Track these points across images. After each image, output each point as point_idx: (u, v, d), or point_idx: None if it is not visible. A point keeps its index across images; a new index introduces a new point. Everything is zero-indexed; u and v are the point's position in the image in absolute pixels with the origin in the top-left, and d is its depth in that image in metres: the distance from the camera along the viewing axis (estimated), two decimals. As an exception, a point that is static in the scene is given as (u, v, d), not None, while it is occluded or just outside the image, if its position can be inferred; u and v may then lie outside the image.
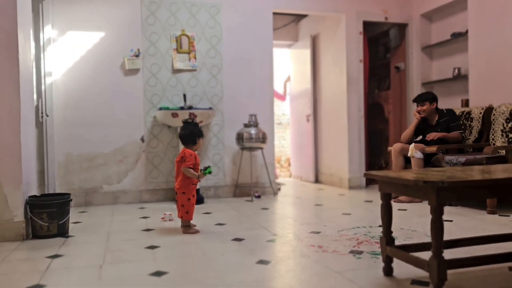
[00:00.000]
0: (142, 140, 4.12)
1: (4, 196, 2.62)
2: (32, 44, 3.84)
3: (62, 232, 2.70)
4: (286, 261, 2.11)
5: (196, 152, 2.79)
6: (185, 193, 2.70)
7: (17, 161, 2.67)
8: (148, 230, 2.84)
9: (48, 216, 2.64)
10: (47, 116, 3.84)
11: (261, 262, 2.05)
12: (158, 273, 1.91)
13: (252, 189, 4.14)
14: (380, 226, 2.80)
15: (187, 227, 2.72)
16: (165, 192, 4.15)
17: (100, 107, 4.02)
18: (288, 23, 5.92)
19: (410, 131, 4.06)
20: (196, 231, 2.71)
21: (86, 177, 3.97)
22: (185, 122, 2.88)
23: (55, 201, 2.69)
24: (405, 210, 3.42)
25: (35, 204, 2.66)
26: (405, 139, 4.08)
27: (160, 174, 4.15)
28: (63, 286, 1.83)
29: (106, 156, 4.03)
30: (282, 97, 6.81)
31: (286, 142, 6.81)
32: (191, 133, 2.77)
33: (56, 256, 2.24)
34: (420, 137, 4.10)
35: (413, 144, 3.81)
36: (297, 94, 5.91)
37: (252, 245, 2.37)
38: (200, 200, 3.92)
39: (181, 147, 3.87)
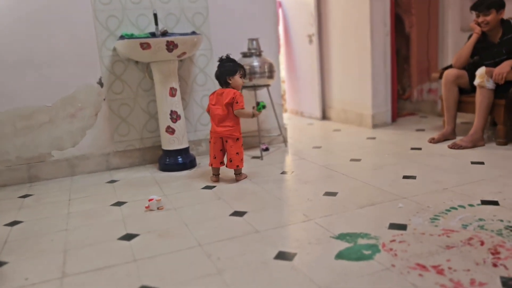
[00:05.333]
0: (100, 84, 2.90)
1: None
2: None
3: (-15, 259, 1.62)
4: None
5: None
6: (239, 139, 2.45)
7: None
8: (129, 237, 1.79)
9: (-47, 239, 1.53)
10: (-51, 57, 2.52)
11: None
12: None
13: (260, 140, 3.09)
14: (484, 203, 1.90)
15: (240, 174, 2.51)
16: (141, 154, 3.04)
17: (31, 38, 2.71)
18: None
19: (467, 51, 3.03)
20: (245, 176, 2.54)
21: (25, 142, 2.78)
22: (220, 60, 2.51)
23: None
24: (482, 163, 2.51)
25: None
26: (459, 62, 3.07)
27: (132, 129, 3.01)
28: None
29: (50, 110, 2.81)
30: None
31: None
32: (224, 71, 2.46)
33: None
34: (475, 58, 3.09)
35: (483, 68, 2.80)
36: (292, 7, 4.66)
37: (308, 268, 1.39)
38: (190, 164, 2.86)
39: (161, 90, 2.75)
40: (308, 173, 2.59)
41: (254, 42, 3.02)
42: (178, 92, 2.81)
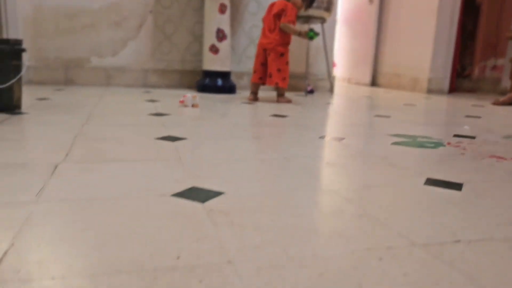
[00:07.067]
0: (149, -5, 2.78)
1: None
2: None
3: (7, 105, 1.50)
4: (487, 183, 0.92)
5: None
6: (283, 54, 2.22)
7: None
8: (159, 114, 1.64)
9: (-24, 72, 1.42)
10: None
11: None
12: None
13: (306, 81, 2.88)
14: None
15: (282, 96, 2.28)
16: (179, 76, 2.91)
17: None
18: None
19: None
20: (289, 101, 2.29)
21: (66, 44, 2.69)
22: None
23: (-11, 46, 1.45)
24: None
25: (-50, 48, 1.43)
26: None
27: (174, 49, 2.87)
28: None
29: (95, 14, 2.71)
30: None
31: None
32: None
33: (-31, 140, 1.06)
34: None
35: None
36: (355, -33, 4.41)
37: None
38: (229, 89, 2.70)
39: (210, 5, 2.60)
40: (358, 106, 2.36)
41: (315, -28, 2.82)
42: (228, 11, 2.64)
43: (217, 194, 0.73)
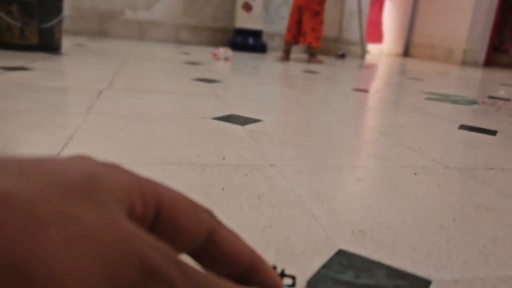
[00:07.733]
0: (185, -52, 2.76)
1: None
2: None
3: (48, 44, 1.55)
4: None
5: None
6: (319, 13, 2.16)
7: None
8: (192, 63, 1.67)
9: (21, 11, 1.47)
10: None
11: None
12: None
13: (339, 45, 2.85)
14: None
15: (314, 56, 2.24)
16: (211, 34, 2.91)
17: None
18: None
19: None
20: (321, 61, 2.25)
21: (102, -5, 2.72)
22: None
23: (33, -15, 1.49)
24: None
25: (-3, -15, 1.47)
26: None
27: (207, 5, 2.87)
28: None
29: (131, -34, 2.73)
30: None
31: None
32: None
33: (19, 68, 1.11)
34: None
35: None
36: None
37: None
38: (261, 48, 2.70)
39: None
40: (390, 70, 2.34)
41: None
42: (264, -31, 2.61)
43: (255, 120, 0.76)
